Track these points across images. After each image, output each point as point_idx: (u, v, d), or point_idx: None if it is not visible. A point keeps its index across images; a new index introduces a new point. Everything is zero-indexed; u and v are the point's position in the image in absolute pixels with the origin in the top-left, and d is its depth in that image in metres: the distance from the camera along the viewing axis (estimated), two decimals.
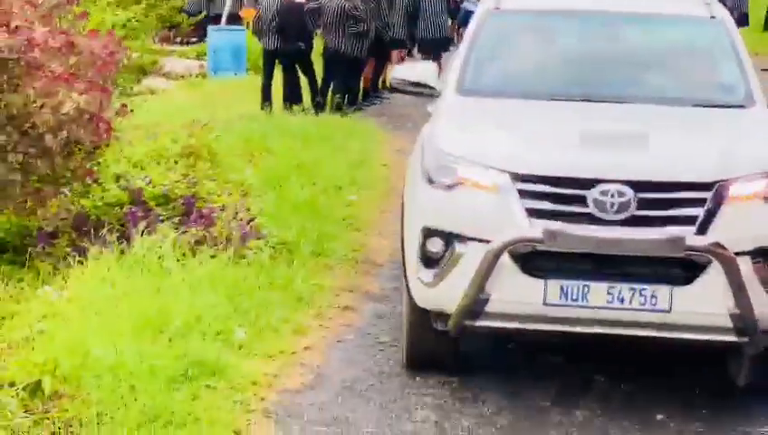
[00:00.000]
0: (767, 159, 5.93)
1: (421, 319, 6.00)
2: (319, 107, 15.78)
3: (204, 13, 20.69)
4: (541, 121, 6.46)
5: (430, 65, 7.86)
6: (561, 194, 5.69)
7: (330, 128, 13.56)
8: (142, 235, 7.40)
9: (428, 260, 5.83)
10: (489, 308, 5.66)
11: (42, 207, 7.78)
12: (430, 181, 5.98)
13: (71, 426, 5.07)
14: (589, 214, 5.63)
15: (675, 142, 6.17)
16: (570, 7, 7.53)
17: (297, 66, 16.13)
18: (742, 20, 19.98)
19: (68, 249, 7.53)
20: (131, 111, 8.54)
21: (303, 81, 16.26)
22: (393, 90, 7.73)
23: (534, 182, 5.72)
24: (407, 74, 7.37)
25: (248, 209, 8.36)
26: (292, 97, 15.98)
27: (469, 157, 5.94)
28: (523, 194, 5.70)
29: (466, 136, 6.25)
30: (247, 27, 20.17)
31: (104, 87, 7.64)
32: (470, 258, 5.65)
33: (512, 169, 5.76)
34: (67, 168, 7.77)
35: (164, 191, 8.25)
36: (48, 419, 5.07)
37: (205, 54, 20.19)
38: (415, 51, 18.31)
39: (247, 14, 20.75)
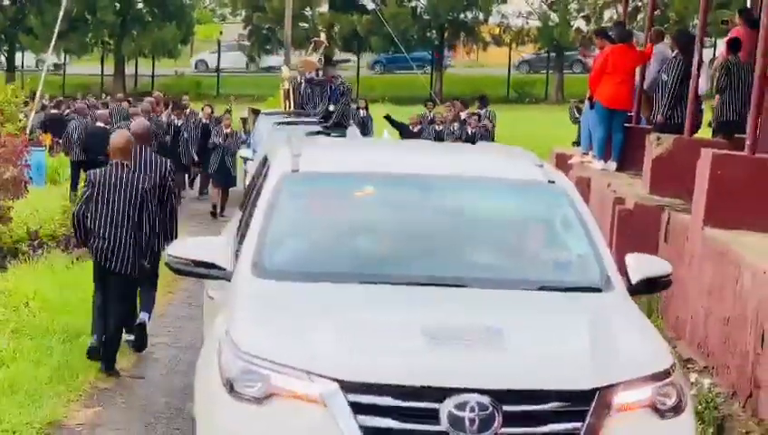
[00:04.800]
0: (649, 361, 5.16)
1: None
2: None
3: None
4: (369, 313, 5.35)
5: (218, 241, 6.47)
6: (407, 408, 4.73)
7: None
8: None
9: None
10: None
11: None
12: (233, 391, 4.90)
13: None
14: (444, 434, 4.73)
15: (536, 339, 5.22)
16: (384, 170, 6.38)
17: None
18: None
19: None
20: None
21: None
22: (173, 270, 6.19)
23: (372, 393, 4.72)
24: (188, 252, 6.05)
25: None
26: None
27: (283, 359, 4.87)
28: (358, 408, 4.72)
29: (276, 332, 5.12)
30: (45, 148, 24.87)
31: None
32: None
33: (341, 377, 4.75)
34: None
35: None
36: None
37: None
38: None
39: (46, 138, 25.53)
